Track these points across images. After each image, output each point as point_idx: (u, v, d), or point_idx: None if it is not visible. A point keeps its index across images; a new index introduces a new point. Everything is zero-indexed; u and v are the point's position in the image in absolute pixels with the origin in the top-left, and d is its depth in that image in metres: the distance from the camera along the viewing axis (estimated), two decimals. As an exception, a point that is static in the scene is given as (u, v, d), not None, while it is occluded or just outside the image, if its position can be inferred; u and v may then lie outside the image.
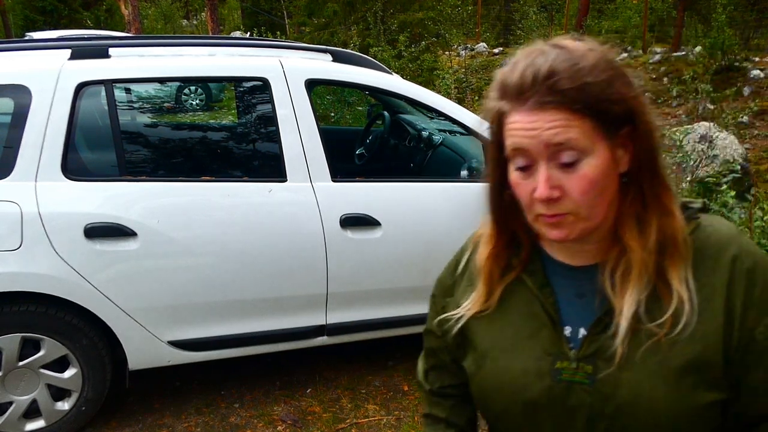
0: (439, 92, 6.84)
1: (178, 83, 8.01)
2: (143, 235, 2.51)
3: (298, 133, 2.76)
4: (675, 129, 5.38)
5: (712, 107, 9.13)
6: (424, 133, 3.72)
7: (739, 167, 5.02)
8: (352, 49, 6.12)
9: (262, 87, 2.82)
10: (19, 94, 2.45)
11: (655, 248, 0.82)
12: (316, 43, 7.27)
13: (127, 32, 12.71)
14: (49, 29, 14.18)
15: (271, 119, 2.77)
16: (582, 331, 0.87)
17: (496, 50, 16.85)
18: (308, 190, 2.75)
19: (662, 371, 0.82)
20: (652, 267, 0.82)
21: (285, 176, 2.73)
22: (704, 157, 5.13)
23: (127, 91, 3.37)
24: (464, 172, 3.13)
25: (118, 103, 2.61)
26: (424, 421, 1.14)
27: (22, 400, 2.55)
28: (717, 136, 5.59)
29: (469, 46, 16.52)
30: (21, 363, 2.51)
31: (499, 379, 0.92)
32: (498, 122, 0.83)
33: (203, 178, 2.68)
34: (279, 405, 2.98)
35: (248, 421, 2.86)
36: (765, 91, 10.12)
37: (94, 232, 2.45)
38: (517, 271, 0.94)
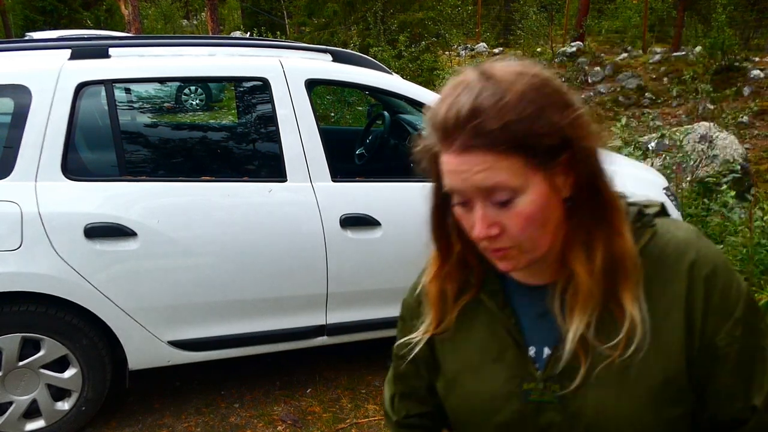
0: (439, 92, 6.82)
1: (178, 83, 8.02)
2: (143, 235, 2.51)
3: (298, 133, 2.76)
4: (675, 129, 5.38)
5: (712, 107, 9.14)
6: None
7: (739, 167, 5.03)
8: (352, 49, 6.12)
9: (262, 87, 2.82)
10: (19, 94, 2.45)
11: (601, 273, 0.80)
12: (316, 43, 7.26)
13: (127, 32, 12.70)
14: (49, 29, 14.16)
15: (271, 119, 2.77)
16: (546, 351, 0.86)
17: (496, 50, 16.85)
18: (308, 190, 2.75)
19: (626, 388, 0.81)
20: (597, 292, 0.81)
21: (285, 176, 2.73)
22: (704, 157, 5.13)
23: (127, 91, 3.38)
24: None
25: (118, 103, 2.61)
26: None
27: (22, 400, 2.55)
28: (717, 136, 5.59)
29: (469, 46, 16.56)
30: (21, 363, 2.51)
31: (469, 404, 0.92)
32: (433, 160, 0.81)
33: (203, 178, 2.68)
34: (279, 405, 2.98)
35: (248, 421, 2.86)
36: (765, 91, 10.13)
37: (94, 232, 2.45)
38: (475, 289, 0.92)
